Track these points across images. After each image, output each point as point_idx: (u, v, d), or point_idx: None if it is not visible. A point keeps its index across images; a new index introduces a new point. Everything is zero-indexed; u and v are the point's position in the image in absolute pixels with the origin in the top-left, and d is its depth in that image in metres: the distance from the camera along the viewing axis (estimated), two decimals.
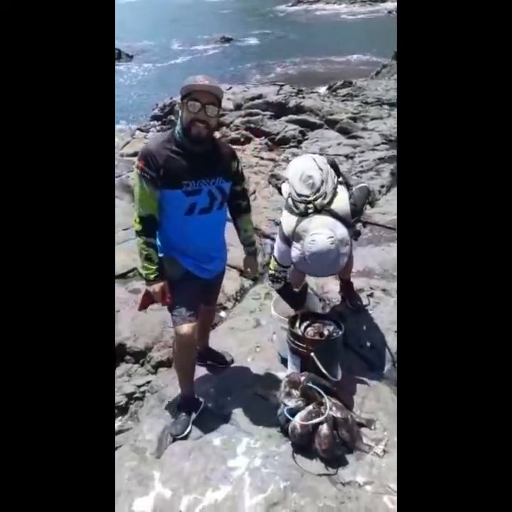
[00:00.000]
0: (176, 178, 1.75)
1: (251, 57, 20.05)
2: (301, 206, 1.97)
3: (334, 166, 2.12)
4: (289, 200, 2.06)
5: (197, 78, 1.75)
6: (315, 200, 1.95)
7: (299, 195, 1.99)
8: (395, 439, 1.87)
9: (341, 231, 1.89)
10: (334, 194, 1.99)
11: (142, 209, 1.77)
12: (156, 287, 1.84)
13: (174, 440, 1.96)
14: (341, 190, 2.05)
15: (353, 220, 2.02)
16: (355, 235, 2.30)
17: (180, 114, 1.78)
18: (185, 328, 1.87)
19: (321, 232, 1.86)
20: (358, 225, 2.36)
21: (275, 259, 2.19)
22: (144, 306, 2.02)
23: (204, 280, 1.96)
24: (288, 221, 2.02)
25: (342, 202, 1.99)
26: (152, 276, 1.83)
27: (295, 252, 1.95)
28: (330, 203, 1.96)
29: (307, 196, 1.97)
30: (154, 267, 1.81)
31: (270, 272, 2.24)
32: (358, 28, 25.77)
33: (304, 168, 2.07)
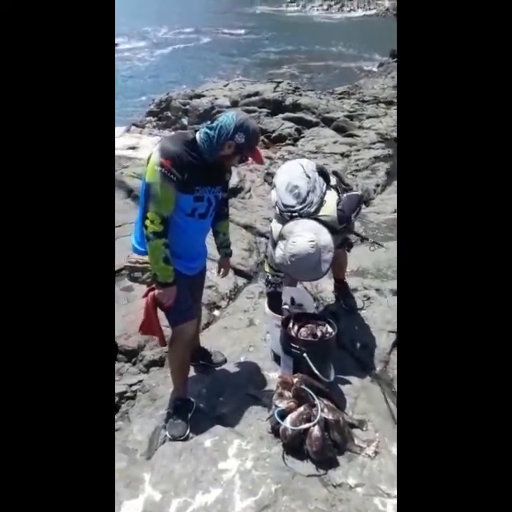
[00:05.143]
0: (192, 184, 1.75)
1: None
2: (287, 216, 2.00)
3: (323, 173, 2.10)
4: (276, 208, 2.08)
5: (258, 149, 1.84)
6: (301, 210, 1.97)
7: (285, 206, 2.01)
8: (387, 440, 1.87)
9: (325, 237, 1.90)
10: (321, 203, 1.99)
11: (165, 210, 1.70)
12: (172, 290, 1.80)
13: (165, 441, 1.94)
14: (330, 196, 2.03)
15: (340, 226, 2.00)
16: (348, 246, 2.32)
17: (221, 139, 1.71)
18: (188, 326, 1.93)
19: (304, 235, 1.88)
20: (355, 239, 2.37)
21: (268, 263, 2.27)
22: (152, 323, 1.91)
23: (189, 277, 1.95)
24: (276, 228, 2.05)
25: (329, 209, 1.99)
26: (171, 278, 1.77)
27: (278, 252, 1.98)
28: (316, 211, 1.97)
29: (292, 207, 1.99)
30: (172, 268, 1.77)
31: (266, 274, 2.32)
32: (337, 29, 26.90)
33: (290, 177, 2.06)
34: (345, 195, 2.08)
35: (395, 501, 1.59)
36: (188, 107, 9.24)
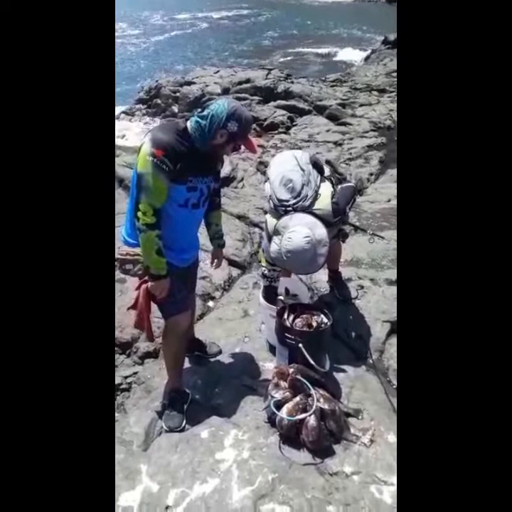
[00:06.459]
0: (185, 174, 1.72)
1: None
2: (281, 210, 1.98)
3: (317, 165, 2.07)
4: (270, 202, 2.06)
5: (251, 138, 1.82)
6: (295, 204, 1.95)
7: (279, 200, 1.99)
8: (382, 428, 1.89)
9: (320, 231, 1.88)
10: (316, 196, 1.97)
11: (157, 201, 1.67)
12: (165, 283, 1.78)
13: (161, 433, 1.94)
14: (324, 188, 2.01)
15: (334, 219, 1.98)
16: (343, 237, 2.32)
17: (213, 128, 1.69)
18: (182, 317, 1.92)
19: (299, 231, 1.86)
20: (349, 229, 2.35)
21: (264, 257, 2.26)
22: (143, 317, 1.88)
23: (181, 269, 1.93)
24: (271, 222, 2.04)
25: (324, 202, 1.97)
26: (164, 271, 1.76)
27: (273, 247, 1.97)
28: (311, 205, 1.95)
29: (287, 201, 1.97)
30: (165, 260, 1.75)
31: (262, 267, 2.32)
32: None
33: (284, 170, 2.03)
34: (339, 187, 2.05)
35: (391, 488, 1.61)
36: (178, 94, 9.11)
